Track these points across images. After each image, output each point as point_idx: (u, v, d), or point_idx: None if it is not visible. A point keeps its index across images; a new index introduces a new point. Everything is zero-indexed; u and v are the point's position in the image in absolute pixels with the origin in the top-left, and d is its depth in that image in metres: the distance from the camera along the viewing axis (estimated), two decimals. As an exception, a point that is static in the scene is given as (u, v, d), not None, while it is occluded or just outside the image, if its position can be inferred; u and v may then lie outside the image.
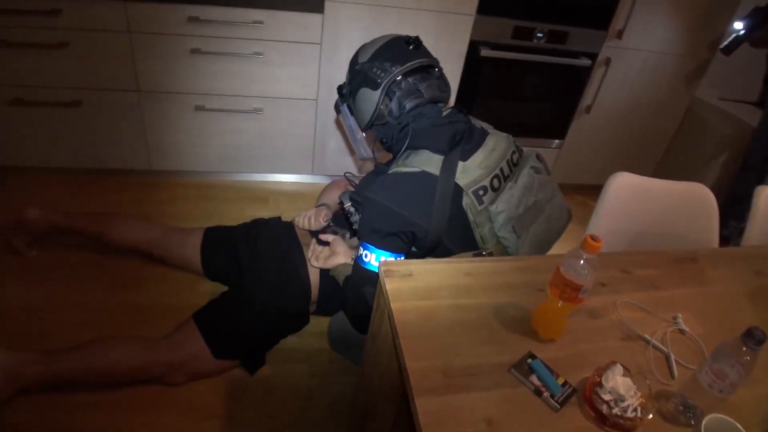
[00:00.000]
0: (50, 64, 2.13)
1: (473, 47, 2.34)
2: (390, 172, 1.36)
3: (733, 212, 2.24)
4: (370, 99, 1.42)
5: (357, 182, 1.57)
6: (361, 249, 1.38)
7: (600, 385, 0.92)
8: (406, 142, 1.39)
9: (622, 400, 0.90)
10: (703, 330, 1.15)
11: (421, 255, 1.39)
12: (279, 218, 1.99)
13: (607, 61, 2.47)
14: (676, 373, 1.04)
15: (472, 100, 2.50)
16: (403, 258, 1.37)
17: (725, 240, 2.02)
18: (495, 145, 1.40)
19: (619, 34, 2.40)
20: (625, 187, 1.51)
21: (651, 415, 0.92)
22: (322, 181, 2.64)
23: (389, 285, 1.11)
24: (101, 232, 1.95)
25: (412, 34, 1.49)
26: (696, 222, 1.57)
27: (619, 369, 0.95)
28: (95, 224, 1.96)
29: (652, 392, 0.96)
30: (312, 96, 2.37)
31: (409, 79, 1.41)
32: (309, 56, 2.26)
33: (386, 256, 1.34)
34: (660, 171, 2.91)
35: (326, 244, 1.68)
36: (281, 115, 2.41)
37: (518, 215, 1.35)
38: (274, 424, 1.62)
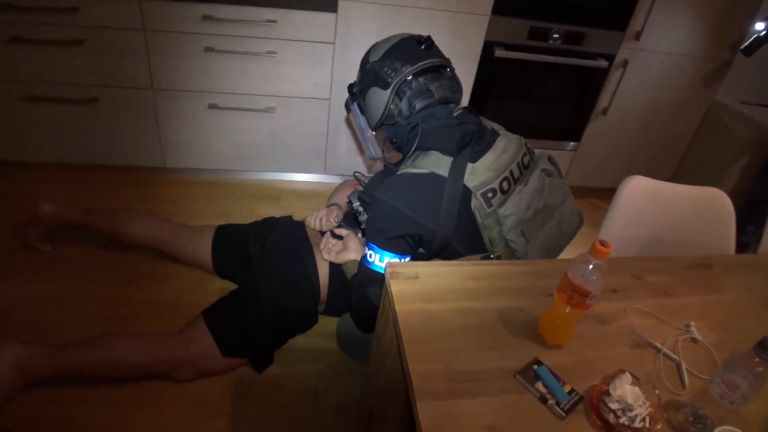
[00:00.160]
0: (66, 61, 2.15)
1: (488, 48, 2.32)
2: (399, 173, 1.35)
3: (752, 217, 2.19)
4: (380, 98, 1.41)
5: (366, 182, 1.56)
6: (367, 249, 1.38)
7: (607, 393, 0.91)
8: (416, 142, 1.37)
9: (630, 410, 0.89)
10: (716, 339, 1.12)
11: (428, 257, 1.38)
12: (290, 217, 1.99)
13: (625, 63, 2.43)
14: (687, 382, 1.02)
15: (486, 101, 2.48)
16: (408, 259, 1.35)
17: (743, 246, 1.98)
18: (505, 147, 1.38)
19: (637, 36, 2.36)
20: (638, 192, 1.48)
21: (660, 426, 0.90)
22: (334, 180, 2.64)
23: (394, 287, 1.10)
24: (114, 228, 1.97)
25: (426, 33, 1.48)
26: (711, 228, 1.53)
27: (627, 377, 0.93)
28: (108, 220, 1.98)
29: (662, 402, 0.94)
30: (325, 95, 2.37)
31: (420, 79, 1.40)
32: (322, 55, 2.26)
33: (391, 257, 1.33)
34: (678, 175, 2.86)
35: (340, 238, 1.67)
36: (294, 114, 2.41)
37: (527, 219, 1.33)
38: (281, 423, 1.61)
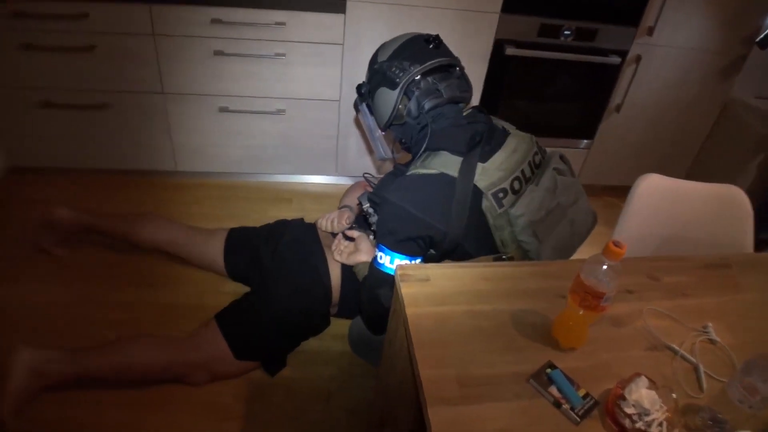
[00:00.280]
0: (78, 67, 2.16)
1: (498, 46, 2.29)
2: (408, 173, 1.34)
3: (770, 215, 2.15)
4: (389, 99, 1.40)
5: (376, 183, 1.55)
6: (377, 250, 1.37)
7: (623, 397, 0.89)
8: (425, 143, 1.36)
9: (647, 414, 0.87)
10: (734, 340, 1.10)
11: (439, 258, 1.37)
12: (302, 219, 1.98)
13: (638, 59, 2.39)
14: (705, 385, 1.00)
15: (497, 100, 2.45)
16: (419, 261, 1.34)
17: (762, 245, 1.94)
18: (516, 146, 1.36)
19: (650, 31, 2.33)
20: (653, 190, 1.46)
21: (677, 430, 0.88)
22: (345, 181, 2.63)
23: (405, 289, 1.09)
24: (127, 231, 1.98)
25: (435, 33, 1.46)
26: (729, 226, 1.50)
27: (643, 381, 0.91)
28: (121, 224, 1.99)
29: (679, 406, 0.92)
30: (335, 97, 2.36)
31: (429, 79, 1.39)
32: (331, 57, 2.25)
33: (401, 259, 1.32)
34: (693, 172, 2.82)
35: (352, 239, 1.66)
36: (304, 116, 2.41)
37: (539, 219, 1.31)
38: (294, 426, 1.61)
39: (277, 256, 1.81)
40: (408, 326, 1.02)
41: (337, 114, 2.42)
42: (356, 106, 1.55)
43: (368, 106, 1.51)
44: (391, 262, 1.33)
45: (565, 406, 0.91)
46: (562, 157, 1.46)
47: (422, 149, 1.37)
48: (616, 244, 0.91)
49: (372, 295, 1.40)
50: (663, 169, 2.50)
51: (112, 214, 2.05)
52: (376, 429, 1.49)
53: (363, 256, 1.59)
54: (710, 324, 1.12)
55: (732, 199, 1.50)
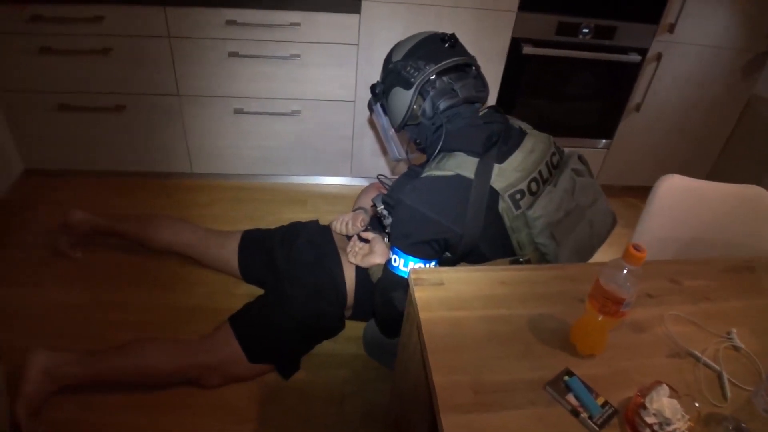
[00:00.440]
0: (94, 70, 2.18)
1: (515, 45, 2.26)
2: (423, 175, 1.32)
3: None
4: (403, 99, 1.38)
5: (390, 184, 1.53)
6: (391, 253, 1.35)
7: (643, 406, 0.86)
8: (440, 143, 1.34)
9: (668, 424, 0.84)
10: (760, 347, 1.06)
11: (455, 260, 1.34)
12: (316, 221, 1.97)
13: (658, 57, 2.34)
14: (728, 394, 0.96)
15: (514, 99, 2.42)
16: (434, 264, 1.32)
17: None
18: (533, 147, 1.34)
19: (671, 28, 2.28)
20: (674, 191, 1.42)
21: (700, 441, 0.85)
22: (360, 183, 2.62)
23: (419, 294, 1.07)
24: (142, 234, 1.99)
25: (451, 32, 1.44)
26: (753, 228, 1.46)
27: (665, 389, 0.88)
28: (136, 226, 2.00)
29: (702, 415, 0.89)
30: (350, 97, 2.35)
31: (444, 78, 1.36)
32: (346, 57, 2.24)
33: (415, 262, 1.30)
34: (715, 172, 2.76)
35: (367, 241, 1.65)
36: (319, 117, 2.40)
37: (558, 220, 1.28)
38: (308, 429, 1.60)
39: (291, 258, 1.80)
40: (421, 331, 1.00)
41: (352, 115, 2.40)
42: (370, 106, 1.53)
43: (382, 106, 1.49)
44: (405, 265, 1.32)
45: (584, 415, 0.88)
46: (580, 158, 1.43)
47: (437, 150, 1.35)
48: (637, 247, 0.88)
49: (386, 299, 1.38)
50: (684, 169, 2.44)
51: (127, 216, 2.06)
52: (391, 433, 1.47)
53: (377, 259, 1.57)
54: (734, 330, 1.09)
55: (756, 200, 1.46)
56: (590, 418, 0.88)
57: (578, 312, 1.02)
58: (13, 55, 2.11)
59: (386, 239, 1.67)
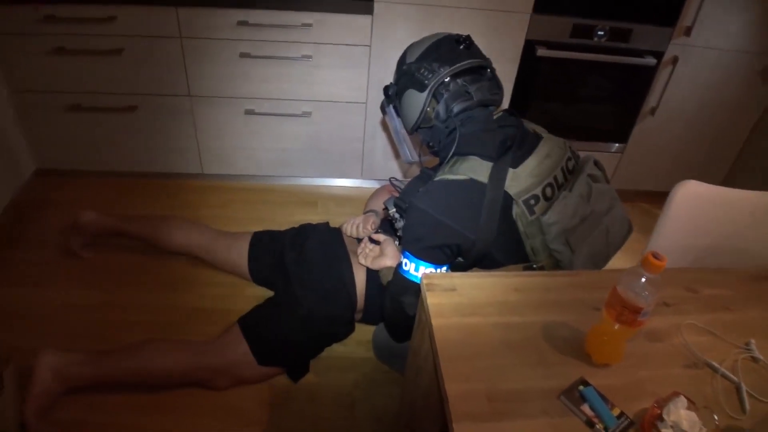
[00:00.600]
0: (106, 70, 2.18)
1: (529, 47, 2.24)
2: (436, 179, 1.30)
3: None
4: (417, 101, 1.36)
5: (402, 187, 1.52)
6: (402, 257, 1.34)
7: (660, 418, 0.84)
8: (453, 147, 1.32)
9: (686, 437, 0.82)
10: (780, 358, 1.04)
11: (467, 266, 1.33)
12: (327, 224, 1.96)
13: (674, 60, 2.31)
14: (747, 406, 0.94)
15: (527, 102, 2.40)
16: (445, 269, 1.30)
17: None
18: (549, 151, 1.31)
19: (688, 31, 2.25)
20: (692, 197, 1.39)
21: (718, 455, 0.83)
22: (371, 185, 2.61)
23: (431, 299, 1.06)
24: (153, 235, 1.99)
25: (464, 33, 1.42)
26: (773, 236, 1.43)
27: (682, 401, 0.86)
28: (147, 227, 2.00)
29: (720, 428, 0.87)
30: (361, 99, 2.34)
31: (458, 81, 1.34)
32: (358, 59, 2.23)
33: (426, 267, 1.28)
34: (731, 178, 2.71)
35: (378, 243, 1.64)
36: (330, 118, 2.39)
37: (573, 227, 1.26)
38: (317, 433, 1.59)
39: (301, 260, 1.80)
40: (434, 338, 0.98)
41: (363, 116, 2.39)
42: (383, 108, 1.51)
43: (395, 108, 1.48)
44: (416, 269, 1.30)
45: (599, 426, 0.86)
46: (596, 163, 1.40)
47: (450, 154, 1.33)
48: (656, 255, 0.86)
49: (396, 303, 1.37)
50: (699, 175, 2.40)
51: (138, 217, 2.06)
52: (402, 439, 1.46)
53: (388, 261, 1.56)
54: (753, 341, 1.06)
55: (776, 207, 1.43)
56: (605, 429, 0.86)
57: (593, 320, 1.00)
58: (25, 55, 2.12)
59: (397, 242, 1.65)
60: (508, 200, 1.25)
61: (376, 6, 2.10)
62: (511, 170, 1.25)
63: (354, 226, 1.79)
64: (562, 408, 0.89)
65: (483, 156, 1.28)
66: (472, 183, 1.25)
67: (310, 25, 2.12)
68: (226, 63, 2.20)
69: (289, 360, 1.69)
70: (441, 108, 1.35)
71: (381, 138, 2.47)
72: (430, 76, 1.33)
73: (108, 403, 1.57)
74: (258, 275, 1.95)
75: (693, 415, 0.84)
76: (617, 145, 2.58)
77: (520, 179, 1.25)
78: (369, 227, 1.75)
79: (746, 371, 1.00)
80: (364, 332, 1.84)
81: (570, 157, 1.36)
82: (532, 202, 1.24)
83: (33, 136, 2.35)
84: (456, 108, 1.34)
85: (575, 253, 1.26)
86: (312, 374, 1.73)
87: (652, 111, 2.45)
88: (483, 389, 0.90)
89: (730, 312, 1.14)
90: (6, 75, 2.16)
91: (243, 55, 2.17)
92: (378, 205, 1.90)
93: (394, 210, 1.48)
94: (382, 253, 1.59)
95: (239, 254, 1.95)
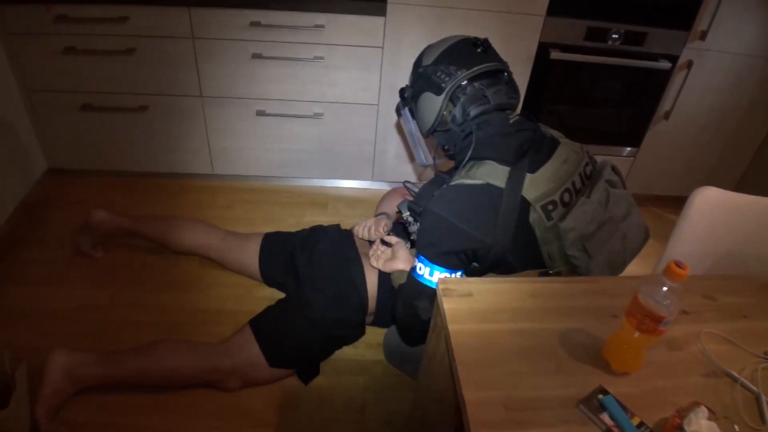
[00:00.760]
0: (118, 70, 2.18)
1: (542, 49, 2.23)
2: (452, 183, 1.29)
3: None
4: (433, 104, 1.35)
5: (416, 191, 1.51)
6: (416, 261, 1.33)
7: (681, 428, 0.83)
8: (470, 151, 1.31)
9: (707, 448, 0.80)
10: (800, 368, 1.02)
11: (482, 271, 1.31)
12: (338, 226, 1.96)
13: (689, 64, 2.29)
14: (768, 417, 0.92)
15: (540, 105, 2.39)
16: (460, 274, 1.29)
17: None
18: (567, 156, 1.30)
19: (703, 35, 2.23)
20: (710, 204, 1.37)
21: (741, 467, 0.81)
22: (381, 187, 2.60)
23: (447, 305, 1.04)
24: (163, 235, 1.99)
25: (477, 36, 1.41)
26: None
27: (703, 411, 0.84)
28: (158, 227, 2.00)
29: (742, 439, 0.85)
30: (373, 101, 2.33)
31: (475, 84, 1.33)
32: (370, 60, 2.22)
33: (441, 272, 1.27)
34: (745, 182, 2.69)
35: (389, 245, 1.63)
36: (342, 120, 2.38)
37: (590, 233, 1.24)
38: (327, 437, 1.59)
39: (313, 262, 1.79)
40: (450, 344, 0.97)
41: (375, 118, 2.38)
42: (398, 111, 1.50)
43: (411, 111, 1.46)
44: (430, 274, 1.29)
45: (619, 436, 0.85)
46: (613, 168, 1.38)
47: (467, 158, 1.32)
48: (678, 264, 0.85)
49: (409, 307, 1.36)
50: (712, 179, 2.39)
51: (148, 217, 2.06)
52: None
53: (400, 264, 1.55)
54: (773, 349, 1.05)
55: (795, 214, 1.41)
56: (626, 439, 0.85)
57: (611, 327, 0.99)
58: (37, 55, 2.12)
59: (409, 245, 1.64)
60: (525, 205, 1.23)
61: (389, 7, 2.09)
62: (528, 175, 1.24)
63: (366, 228, 1.78)
64: (580, 417, 0.88)
65: (499, 160, 1.26)
66: (488, 188, 1.24)
67: (322, 26, 2.11)
68: (238, 64, 2.19)
69: (299, 362, 1.69)
70: (457, 111, 1.34)
71: (392, 140, 2.46)
72: (447, 79, 1.31)
73: (118, 403, 1.57)
74: (268, 276, 1.95)
75: (714, 425, 0.82)
76: (629, 149, 2.56)
77: (537, 184, 1.24)
78: (381, 230, 1.74)
79: (766, 381, 0.99)
80: (374, 335, 1.83)
81: (588, 162, 1.35)
82: (550, 207, 1.23)
83: (44, 136, 2.35)
84: (473, 112, 1.33)
85: (592, 259, 1.24)
86: (322, 376, 1.72)
87: (666, 115, 2.43)
88: (500, 397, 0.89)
89: (749, 320, 1.13)
90: (18, 75, 2.17)
91: (255, 56, 2.17)
92: (389, 208, 1.89)
93: (408, 213, 1.47)
94: (394, 256, 1.58)
95: (250, 255, 1.94)
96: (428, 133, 1.42)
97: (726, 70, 2.34)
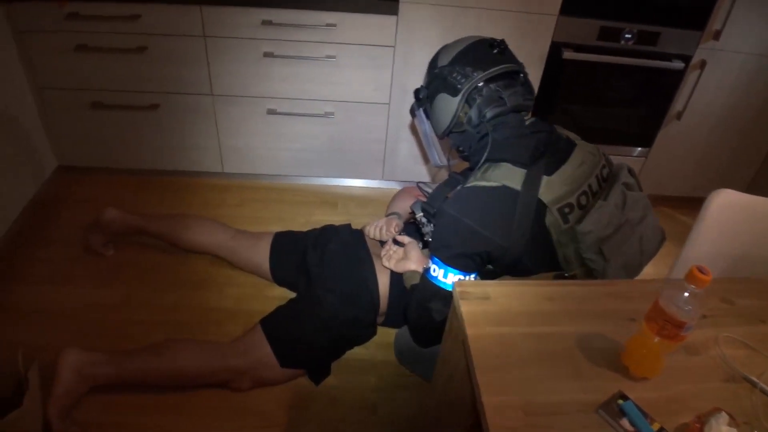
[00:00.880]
0: (129, 68, 2.18)
1: (555, 49, 2.21)
2: (468, 185, 1.28)
3: None
4: (449, 106, 1.34)
5: (430, 192, 1.50)
6: (431, 262, 1.32)
7: (702, 435, 0.82)
8: (485, 153, 1.30)
9: (729, 454, 0.80)
10: (820, 373, 1.01)
11: (497, 273, 1.31)
12: (349, 225, 1.95)
13: (702, 64, 2.28)
14: (789, 424, 0.91)
15: (552, 104, 2.37)
16: (473, 277, 1.29)
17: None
18: (583, 159, 1.29)
19: (716, 35, 2.21)
20: (727, 206, 1.36)
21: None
22: (391, 186, 2.59)
23: (464, 308, 1.04)
24: (174, 234, 1.99)
25: (490, 35, 1.40)
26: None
27: (724, 417, 0.84)
28: (168, 226, 2.00)
29: (763, 446, 0.84)
30: (384, 100, 2.32)
31: (492, 86, 1.32)
32: (382, 59, 2.21)
33: (455, 274, 1.27)
34: (757, 184, 2.66)
35: (402, 245, 1.62)
36: (352, 119, 2.37)
37: (607, 236, 1.23)
38: (338, 437, 1.59)
39: (324, 262, 1.79)
40: (469, 348, 0.96)
41: (386, 118, 2.38)
42: (412, 111, 1.49)
43: (425, 111, 1.45)
44: (444, 276, 1.29)
45: (639, 442, 0.84)
46: (630, 171, 1.37)
47: (482, 160, 1.31)
48: (701, 269, 0.84)
49: (423, 308, 1.35)
50: (723, 180, 2.38)
51: (159, 215, 2.06)
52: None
53: (412, 265, 1.55)
54: (791, 354, 1.04)
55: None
56: (646, 445, 0.84)
57: (628, 331, 0.98)
58: (48, 52, 2.12)
59: (420, 245, 1.64)
60: (541, 208, 1.22)
61: (402, 6, 2.08)
62: (545, 177, 1.23)
63: (377, 228, 1.78)
64: (600, 422, 0.87)
65: (515, 162, 1.26)
66: (504, 190, 1.23)
67: (334, 25, 2.10)
68: (250, 62, 2.19)
69: (310, 362, 1.69)
70: (473, 113, 1.33)
71: (402, 139, 2.45)
72: (463, 80, 1.30)
73: (127, 403, 1.58)
74: (279, 276, 1.95)
75: (734, 431, 0.81)
76: (639, 149, 2.54)
77: (554, 187, 1.23)
78: (393, 230, 1.73)
79: (786, 387, 0.98)
80: (384, 335, 1.82)
81: (604, 164, 1.34)
82: (567, 210, 1.22)
83: (55, 133, 2.35)
84: (489, 114, 1.32)
85: (609, 263, 1.23)
86: (333, 377, 1.72)
87: (679, 115, 2.41)
88: (519, 402, 0.89)
89: (766, 324, 1.11)
90: (29, 72, 2.17)
91: (266, 55, 2.16)
92: (400, 207, 1.88)
93: (422, 214, 1.47)
94: (406, 257, 1.58)
95: (260, 254, 1.94)
96: (443, 135, 1.42)
97: (739, 70, 2.32)
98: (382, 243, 1.76)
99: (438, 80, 1.36)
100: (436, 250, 1.31)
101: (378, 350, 1.83)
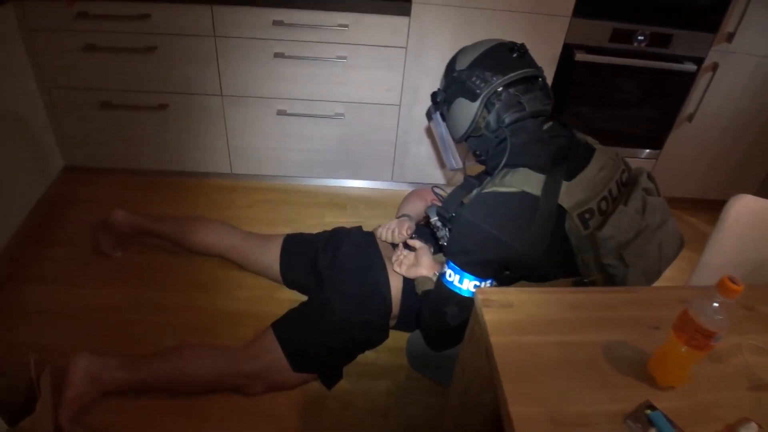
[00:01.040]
0: (138, 68, 2.17)
1: (567, 51, 2.20)
2: (486, 191, 1.27)
3: None
4: (467, 111, 1.32)
5: (444, 196, 1.49)
6: (447, 267, 1.31)
7: (731, 445, 0.81)
8: (504, 158, 1.28)
9: (759, 467, 0.79)
10: None
11: (515, 278, 1.30)
12: (360, 228, 1.94)
13: (714, 67, 2.27)
14: (818, 434, 0.90)
15: (563, 106, 2.36)
16: (489, 283, 1.27)
17: None
18: (603, 164, 1.27)
19: (729, 38, 2.20)
20: (746, 212, 1.35)
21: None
22: (402, 188, 2.58)
23: (488, 316, 1.02)
24: (183, 235, 1.98)
25: (502, 37, 1.39)
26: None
27: (753, 427, 0.83)
28: (177, 228, 1.99)
29: (793, 457, 0.83)
30: (395, 101, 2.31)
31: (511, 91, 1.30)
32: (394, 60, 2.20)
33: (470, 280, 1.25)
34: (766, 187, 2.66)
35: (412, 249, 1.61)
36: (363, 120, 2.36)
37: (627, 241, 1.22)
38: (350, 441, 1.58)
39: (335, 265, 1.78)
40: (493, 357, 0.95)
41: (396, 119, 2.36)
42: (429, 115, 1.47)
43: (442, 115, 1.44)
44: (460, 281, 1.28)
45: (668, 453, 0.83)
46: (649, 175, 1.36)
47: (501, 165, 1.29)
48: (732, 279, 0.83)
49: (437, 312, 1.34)
50: (733, 182, 2.36)
51: (167, 217, 2.05)
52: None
53: (423, 271, 1.54)
54: (815, 363, 1.03)
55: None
56: (676, 456, 0.83)
57: (653, 340, 0.97)
58: (57, 52, 2.11)
59: (432, 250, 1.63)
60: (560, 213, 1.21)
61: (414, 7, 2.07)
62: (564, 183, 1.21)
63: (389, 231, 1.76)
64: (627, 432, 0.87)
65: (535, 167, 1.24)
66: (523, 195, 1.22)
67: (346, 25, 2.09)
68: (260, 63, 2.18)
69: (323, 366, 1.67)
70: (492, 118, 1.31)
71: (413, 141, 2.44)
72: (482, 85, 1.29)
73: (139, 407, 1.57)
74: (290, 278, 1.94)
75: (764, 442, 0.81)
76: (648, 150, 2.53)
77: (574, 192, 1.21)
78: (404, 232, 1.72)
79: (811, 395, 0.97)
80: (396, 339, 1.81)
81: (624, 169, 1.33)
82: (587, 216, 1.20)
83: (62, 133, 2.34)
84: (508, 119, 1.30)
85: (629, 268, 1.22)
86: (345, 381, 1.71)
87: (690, 117, 2.40)
88: (547, 412, 0.88)
89: (789, 332, 1.11)
90: (37, 71, 2.15)
91: (277, 55, 2.15)
92: (412, 210, 1.87)
93: (437, 219, 1.46)
94: (417, 262, 1.57)
95: (271, 257, 1.93)
96: (461, 139, 1.40)
97: (752, 73, 2.31)
98: (395, 245, 1.75)
99: (456, 84, 1.34)
100: (453, 255, 1.29)
101: (390, 354, 1.82)
